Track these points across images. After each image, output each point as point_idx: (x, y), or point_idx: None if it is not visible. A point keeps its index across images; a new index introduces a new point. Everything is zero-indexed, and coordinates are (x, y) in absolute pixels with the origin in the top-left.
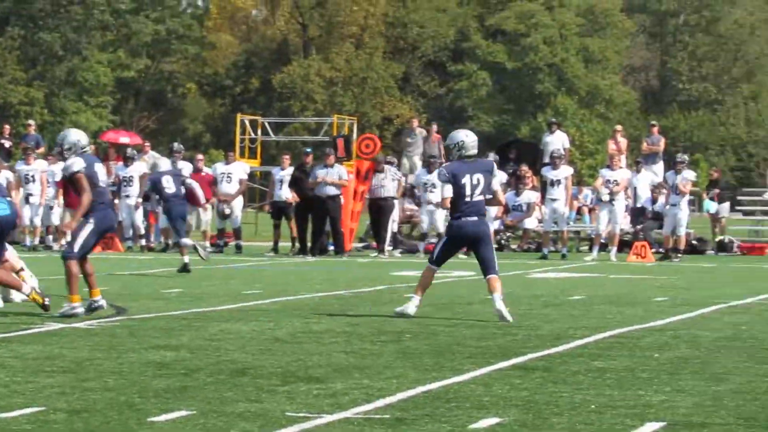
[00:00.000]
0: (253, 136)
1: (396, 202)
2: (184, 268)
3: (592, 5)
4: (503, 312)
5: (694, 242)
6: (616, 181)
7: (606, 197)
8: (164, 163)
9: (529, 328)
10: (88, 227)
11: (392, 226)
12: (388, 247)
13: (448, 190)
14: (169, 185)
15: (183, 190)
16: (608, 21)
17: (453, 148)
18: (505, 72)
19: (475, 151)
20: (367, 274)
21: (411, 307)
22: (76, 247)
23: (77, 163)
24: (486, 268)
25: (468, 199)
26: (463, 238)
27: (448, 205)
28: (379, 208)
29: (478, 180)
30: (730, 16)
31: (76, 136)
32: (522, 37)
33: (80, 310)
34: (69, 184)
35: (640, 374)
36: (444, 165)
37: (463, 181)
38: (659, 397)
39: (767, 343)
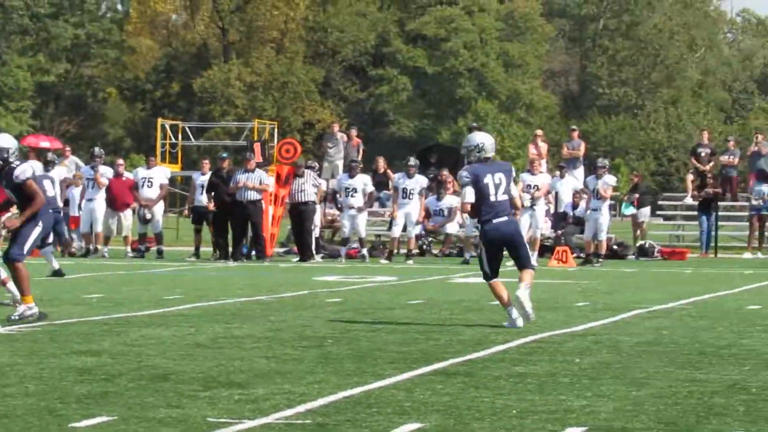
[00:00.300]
0: (173, 140)
1: (317, 206)
2: (57, 273)
3: (512, 10)
4: (530, 313)
5: (615, 247)
6: (536, 186)
7: (527, 202)
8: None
9: (450, 333)
10: (37, 230)
11: (313, 230)
12: (312, 252)
13: (470, 194)
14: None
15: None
16: (528, 26)
17: (473, 150)
18: (425, 77)
19: (493, 153)
20: (289, 279)
21: (516, 320)
22: (26, 249)
23: (28, 170)
24: (523, 264)
25: (493, 199)
26: (499, 239)
27: (468, 209)
28: (299, 213)
29: (500, 179)
30: (650, 20)
31: (11, 140)
32: (442, 41)
33: (36, 310)
34: (14, 192)
35: (562, 379)
36: (464, 167)
37: (486, 180)
38: (580, 402)
39: (687, 348)
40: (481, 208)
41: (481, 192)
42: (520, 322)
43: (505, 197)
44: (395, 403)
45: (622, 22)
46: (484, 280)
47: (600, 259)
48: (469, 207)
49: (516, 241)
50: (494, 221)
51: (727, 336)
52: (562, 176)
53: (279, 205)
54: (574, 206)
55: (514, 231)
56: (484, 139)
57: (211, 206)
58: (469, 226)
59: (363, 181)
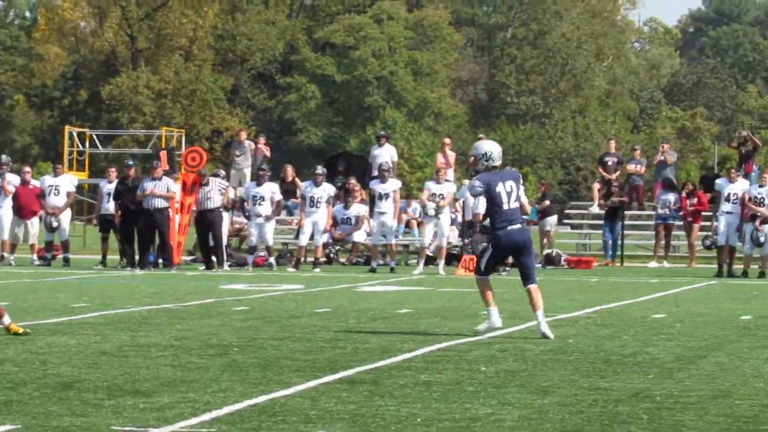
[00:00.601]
0: (81, 148)
1: (225, 214)
2: None
3: (421, 19)
4: (548, 333)
5: None
6: (441, 194)
7: (431, 211)
8: None
9: (356, 341)
10: None
11: (221, 238)
12: (219, 260)
13: (482, 205)
14: None
15: None
16: (437, 34)
17: (480, 159)
18: (333, 85)
19: (500, 162)
20: (196, 287)
21: (496, 320)
22: None
23: None
24: (528, 275)
25: (506, 207)
26: (510, 247)
27: (480, 219)
28: (206, 221)
29: (511, 187)
30: (558, 29)
31: None
32: (351, 50)
33: None
34: None
35: (467, 387)
36: (475, 177)
37: (498, 189)
38: (485, 410)
39: (593, 357)
40: (495, 217)
41: (494, 200)
42: (498, 323)
43: (517, 204)
44: (300, 411)
45: (530, 31)
46: (475, 275)
47: (507, 268)
48: (480, 217)
49: (527, 249)
50: (508, 228)
51: (632, 345)
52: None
53: (185, 213)
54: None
55: (527, 239)
56: (491, 148)
57: (118, 214)
58: (377, 235)
59: (270, 190)
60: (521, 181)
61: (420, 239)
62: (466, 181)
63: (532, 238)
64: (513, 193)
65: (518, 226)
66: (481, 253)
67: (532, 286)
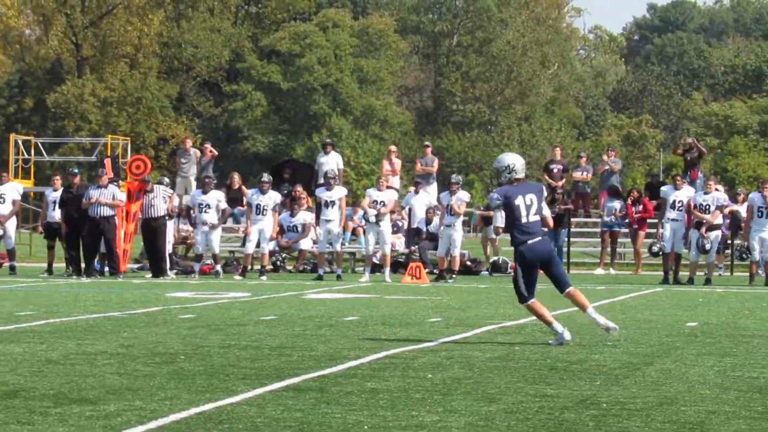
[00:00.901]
0: (26, 156)
1: (170, 222)
2: None
3: (367, 26)
4: (609, 325)
5: (468, 263)
6: (383, 201)
7: (372, 218)
8: None
9: (303, 349)
10: None
11: (166, 246)
12: (166, 268)
13: (501, 218)
14: None
15: None
16: (382, 42)
17: (503, 171)
18: (280, 92)
19: (523, 174)
20: (142, 295)
21: (563, 334)
22: None
23: None
24: (561, 283)
25: (525, 220)
26: (535, 260)
27: (501, 233)
28: (151, 229)
29: (531, 200)
30: (503, 37)
31: None
32: (296, 57)
33: None
34: None
35: (414, 395)
36: (495, 190)
37: (517, 202)
38: (432, 417)
39: (539, 364)
40: (514, 231)
41: (513, 213)
42: (567, 336)
43: (537, 218)
44: (247, 419)
45: (475, 39)
46: (520, 303)
47: (453, 275)
48: (501, 231)
49: (553, 260)
50: (529, 242)
51: (578, 352)
52: (416, 192)
53: (131, 221)
54: (428, 222)
55: (550, 250)
56: (515, 161)
57: (62, 225)
58: (323, 242)
59: (216, 197)
60: (544, 194)
61: (366, 247)
62: (412, 188)
63: (554, 249)
64: (533, 206)
65: (539, 238)
66: (514, 279)
67: (570, 290)
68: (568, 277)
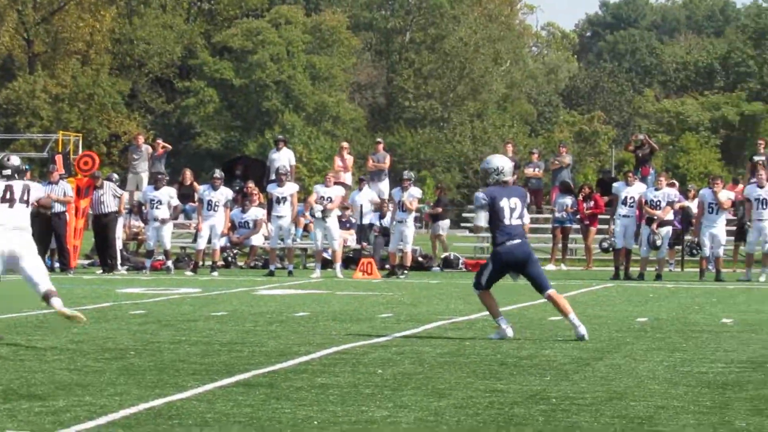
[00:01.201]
0: None
1: (119, 218)
2: None
3: (319, 23)
4: (584, 334)
5: (420, 259)
6: (330, 197)
7: (318, 213)
8: None
9: (253, 344)
10: None
11: (117, 242)
12: (116, 264)
13: (483, 218)
14: None
15: None
16: (334, 38)
17: (492, 173)
18: (232, 89)
19: (510, 178)
20: (93, 291)
21: (507, 331)
22: None
23: None
24: (540, 285)
25: (507, 222)
26: (511, 262)
27: (480, 233)
28: (100, 224)
29: (515, 204)
30: (455, 33)
31: None
32: (249, 54)
33: None
34: None
35: (364, 390)
36: (481, 190)
37: (501, 204)
38: (382, 412)
39: (489, 359)
40: (495, 232)
41: (496, 215)
42: (510, 332)
43: (519, 222)
44: (197, 414)
45: (428, 36)
46: (475, 289)
47: (405, 271)
48: (481, 230)
49: (529, 262)
50: (508, 244)
51: (528, 347)
52: (360, 189)
53: (80, 216)
54: (382, 216)
55: (528, 252)
56: (504, 164)
57: None
58: (274, 238)
59: (168, 193)
60: (527, 199)
61: (315, 243)
62: (366, 185)
63: (532, 252)
64: (516, 210)
65: (518, 241)
66: (481, 268)
67: (550, 292)
68: (548, 280)
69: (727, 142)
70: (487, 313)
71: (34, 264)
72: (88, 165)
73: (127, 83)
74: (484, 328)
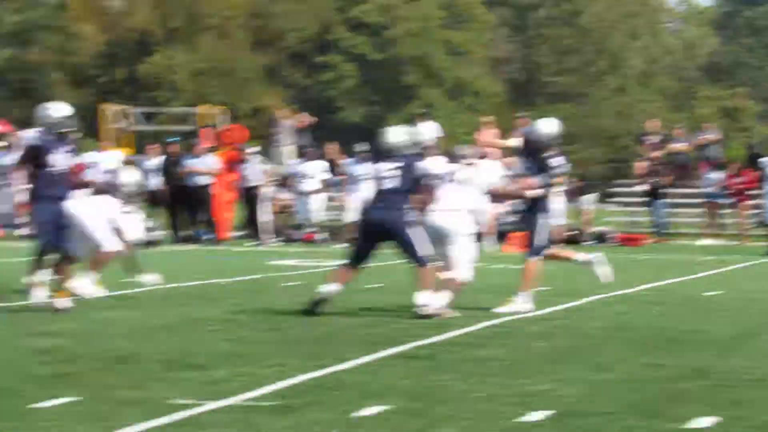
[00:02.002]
0: (124, 126)
1: (268, 191)
2: None
3: None
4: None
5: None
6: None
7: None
8: None
9: (410, 316)
10: None
11: (266, 215)
12: (266, 237)
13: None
14: None
15: None
16: (469, 14)
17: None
18: (370, 63)
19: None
20: (244, 263)
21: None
22: None
23: None
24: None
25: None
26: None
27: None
28: (249, 197)
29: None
30: (591, 9)
31: None
32: (384, 29)
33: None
34: None
35: (523, 363)
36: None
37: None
38: (543, 386)
39: (649, 333)
40: None
41: None
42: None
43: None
44: (359, 385)
45: (563, 11)
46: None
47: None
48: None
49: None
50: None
51: (688, 321)
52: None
53: (230, 189)
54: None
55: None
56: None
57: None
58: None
59: (318, 167)
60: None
61: None
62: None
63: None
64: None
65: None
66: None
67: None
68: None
69: None
70: (644, 286)
71: None
72: (235, 138)
73: (265, 58)
74: (641, 303)
